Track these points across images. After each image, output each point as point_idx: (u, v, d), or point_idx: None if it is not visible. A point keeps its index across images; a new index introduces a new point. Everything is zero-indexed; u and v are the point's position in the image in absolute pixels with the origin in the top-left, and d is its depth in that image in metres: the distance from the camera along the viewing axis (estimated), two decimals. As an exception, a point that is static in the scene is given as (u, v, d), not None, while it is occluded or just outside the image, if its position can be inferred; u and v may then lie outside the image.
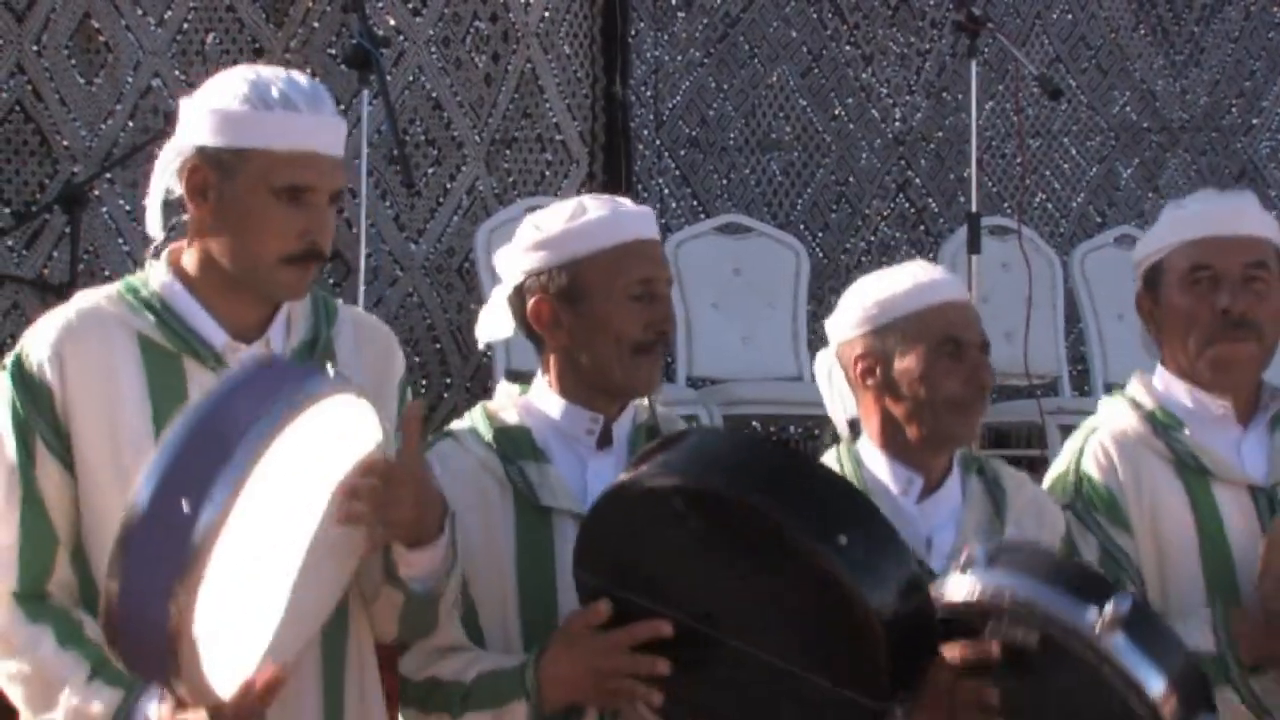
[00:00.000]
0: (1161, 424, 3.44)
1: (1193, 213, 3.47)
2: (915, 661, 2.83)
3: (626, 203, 3.21)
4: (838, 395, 3.38)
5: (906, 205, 7.26)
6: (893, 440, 3.32)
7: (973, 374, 3.27)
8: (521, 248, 3.19)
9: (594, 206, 3.16)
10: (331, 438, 2.71)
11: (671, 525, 2.82)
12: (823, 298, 6.84)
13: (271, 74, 2.93)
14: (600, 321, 3.10)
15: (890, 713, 2.81)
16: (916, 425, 3.29)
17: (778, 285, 6.82)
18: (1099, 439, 3.45)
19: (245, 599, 2.62)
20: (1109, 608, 2.84)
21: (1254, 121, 7.58)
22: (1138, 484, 3.40)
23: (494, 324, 3.25)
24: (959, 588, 2.95)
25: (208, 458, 2.53)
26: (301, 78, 2.94)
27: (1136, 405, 3.47)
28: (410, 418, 2.82)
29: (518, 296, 3.18)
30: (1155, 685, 2.83)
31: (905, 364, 3.27)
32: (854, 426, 3.39)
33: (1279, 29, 7.59)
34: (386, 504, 2.76)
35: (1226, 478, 3.41)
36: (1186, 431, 3.43)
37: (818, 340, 6.64)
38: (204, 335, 2.91)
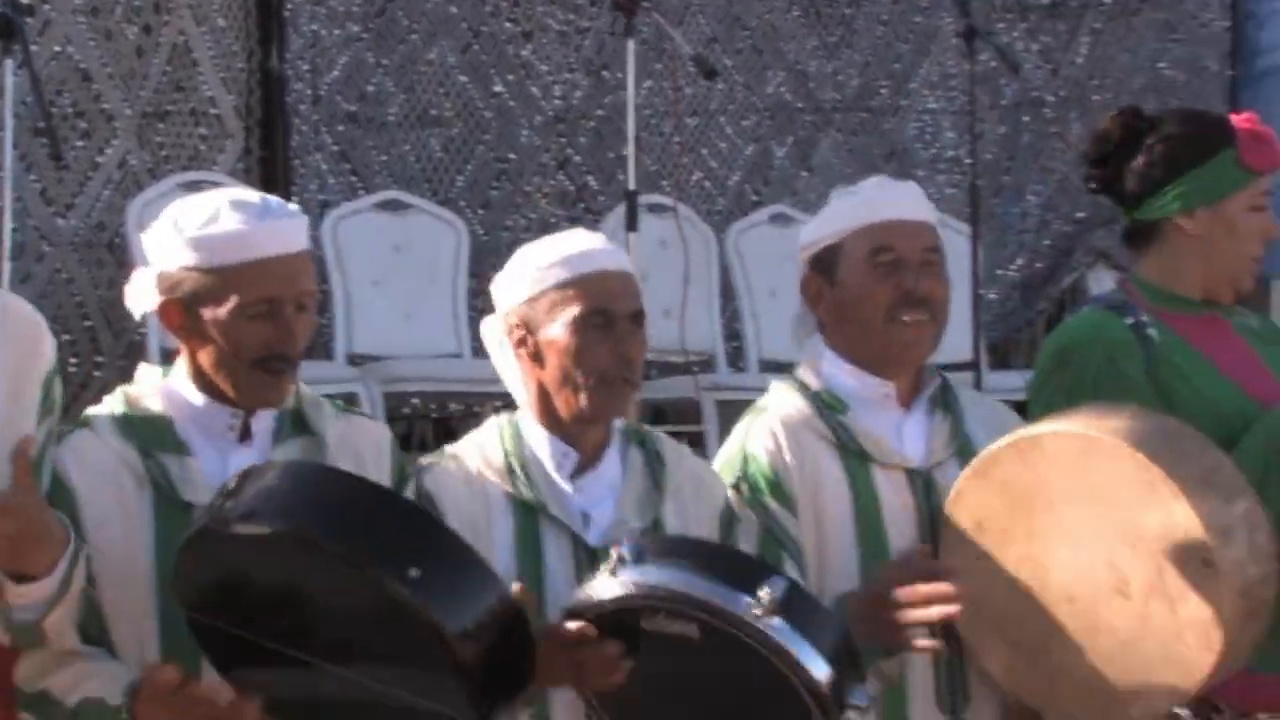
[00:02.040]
0: (826, 406, 3.49)
1: (870, 198, 3.53)
2: (517, 669, 2.88)
3: (276, 207, 3.11)
4: (503, 360, 3.34)
5: (566, 183, 7.23)
6: (546, 412, 3.29)
7: (618, 346, 3.24)
8: (157, 240, 3.10)
9: (230, 217, 3.07)
10: None
11: (260, 561, 2.82)
12: (484, 275, 6.70)
13: None
14: (220, 334, 3.05)
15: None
16: (565, 398, 3.25)
17: (438, 262, 6.77)
18: (766, 420, 3.48)
19: None
20: (765, 592, 2.89)
21: (902, 103, 7.69)
22: (801, 466, 3.44)
23: (140, 300, 3.15)
24: (609, 589, 2.96)
25: None
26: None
27: (803, 387, 3.52)
28: (20, 452, 2.76)
29: (155, 284, 3.10)
30: (815, 664, 2.91)
31: (552, 334, 3.24)
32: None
33: (926, 14, 7.71)
34: None
35: (885, 461, 3.48)
36: (850, 414, 3.49)
37: (479, 318, 6.59)
38: None
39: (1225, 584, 3.22)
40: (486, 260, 6.80)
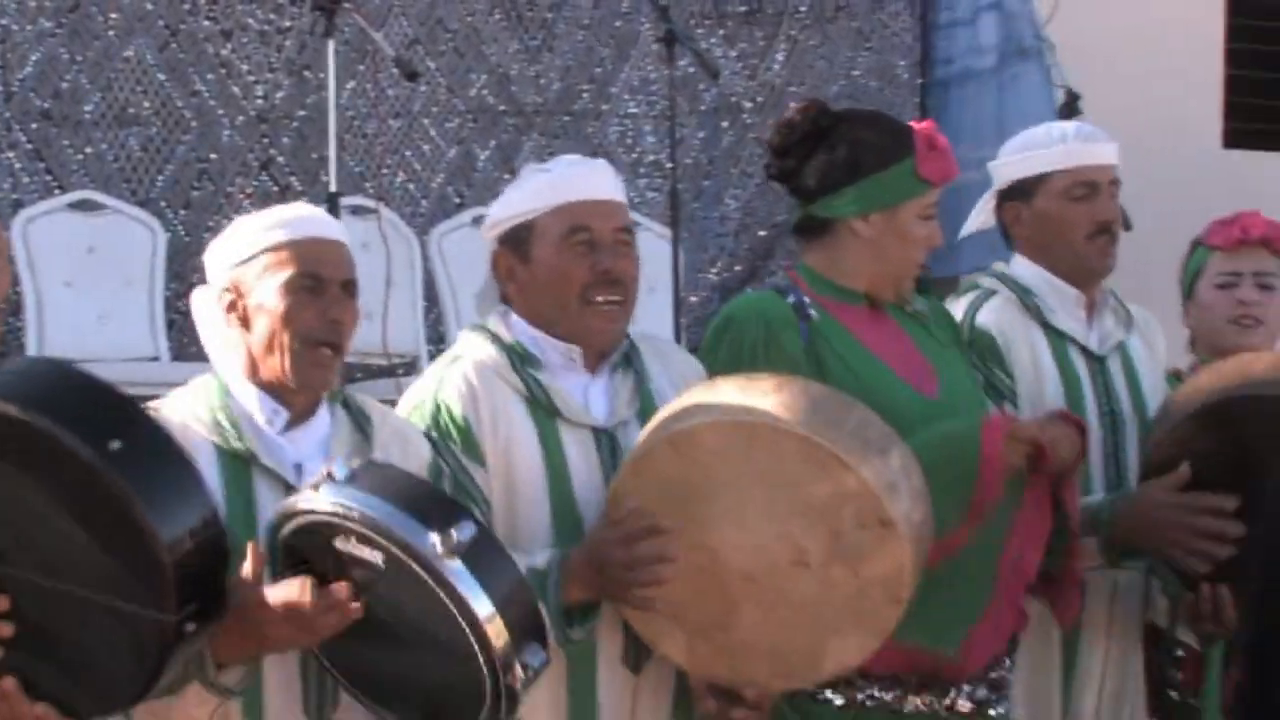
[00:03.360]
0: (519, 358, 3.49)
1: (564, 176, 3.56)
2: (212, 577, 2.87)
3: None
4: (213, 330, 3.31)
5: (269, 183, 7.11)
6: (254, 373, 3.26)
7: (328, 310, 3.23)
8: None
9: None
10: None
11: None
12: (185, 276, 6.69)
13: None
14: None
15: (185, 627, 2.84)
16: (272, 362, 3.23)
17: (134, 264, 6.65)
18: (460, 368, 3.48)
19: None
20: (451, 533, 2.89)
21: (604, 107, 7.70)
22: (494, 417, 3.45)
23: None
24: (309, 502, 2.96)
25: None
26: None
27: (496, 339, 3.52)
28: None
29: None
30: (484, 610, 2.90)
31: (262, 297, 3.23)
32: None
33: (626, 19, 7.74)
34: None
35: (573, 419, 3.50)
36: (542, 370, 3.50)
37: (180, 320, 6.59)
38: None
39: (902, 537, 3.29)
40: (189, 262, 6.69)
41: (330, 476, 2.97)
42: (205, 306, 3.31)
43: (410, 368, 6.78)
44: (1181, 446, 3.91)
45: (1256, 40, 8.73)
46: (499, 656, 2.93)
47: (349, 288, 3.27)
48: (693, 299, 7.55)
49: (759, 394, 3.34)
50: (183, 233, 6.94)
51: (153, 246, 6.70)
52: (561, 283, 3.47)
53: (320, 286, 3.23)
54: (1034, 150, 4.20)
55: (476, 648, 2.92)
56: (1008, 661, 3.80)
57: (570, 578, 3.36)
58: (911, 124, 3.86)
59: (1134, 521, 3.96)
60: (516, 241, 3.51)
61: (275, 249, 3.22)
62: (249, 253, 3.24)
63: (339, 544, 2.94)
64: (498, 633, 2.92)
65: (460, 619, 2.91)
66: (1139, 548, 4.02)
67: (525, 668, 2.96)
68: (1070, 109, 7.19)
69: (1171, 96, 8.10)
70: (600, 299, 3.49)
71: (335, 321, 3.23)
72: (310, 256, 3.24)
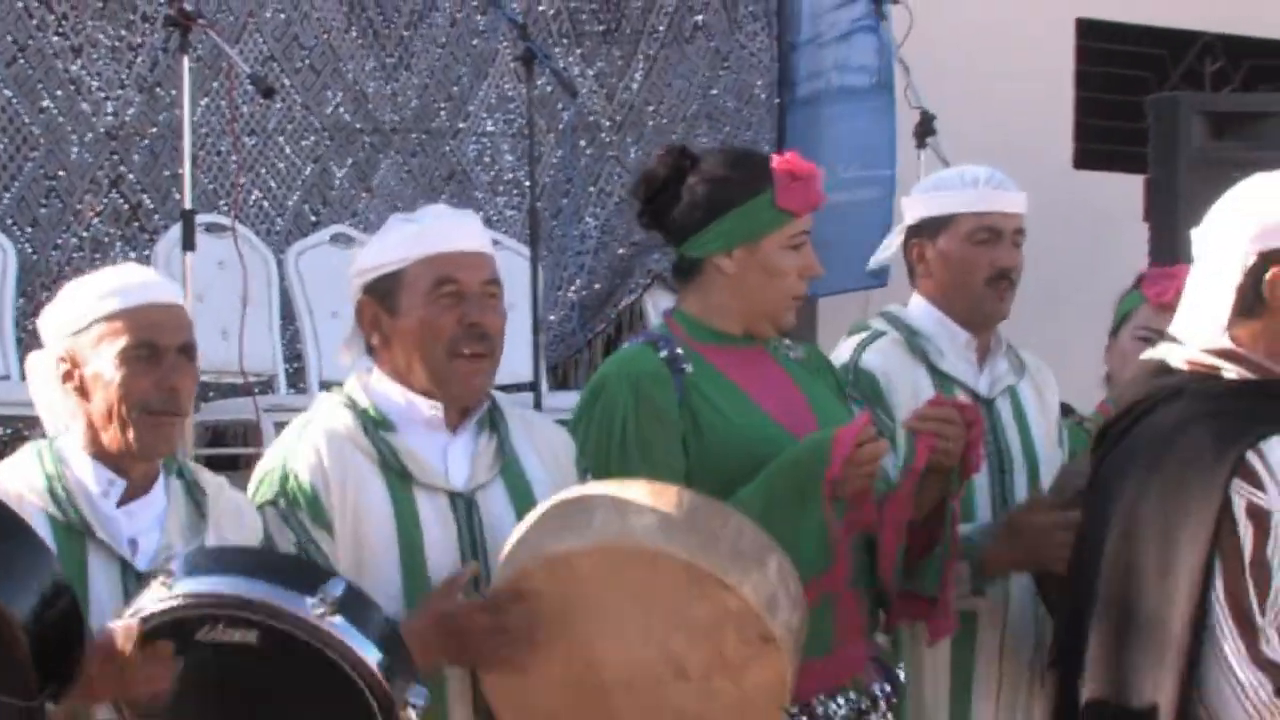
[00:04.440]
0: (373, 423, 3.48)
1: (432, 227, 3.56)
2: (66, 658, 2.84)
3: None
4: (51, 396, 3.30)
5: (120, 201, 7.02)
6: (94, 443, 3.25)
7: (165, 379, 3.22)
8: None
9: None
10: None
11: None
12: (33, 295, 6.60)
13: None
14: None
15: (42, 709, 2.83)
16: (112, 433, 3.22)
17: (-18, 282, 6.54)
18: (310, 435, 3.48)
19: None
20: (325, 593, 2.94)
21: (461, 125, 7.67)
22: (344, 483, 3.43)
23: None
24: (161, 600, 2.92)
25: None
26: None
27: (351, 403, 3.51)
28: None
29: None
30: (374, 658, 2.96)
31: (98, 367, 3.21)
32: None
33: (483, 36, 7.72)
34: None
35: (429, 483, 3.48)
36: (396, 433, 3.49)
37: (29, 338, 6.47)
38: None
39: (783, 648, 3.32)
40: (37, 280, 6.63)
41: (171, 573, 2.95)
42: (41, 373, 3.29)
43: (267, 386, 6.79)
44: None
45: (1106, 63, 8.86)
46: (390, 701, 2.96)
47: (187, 351, 3.26)
48: (551, 317, 7.53)
49: (633, 510, 3.31)
50: (30, 250, 6.83)
51: (3, 265, 6.59)
52: (428, 334, 3.47)
53: (156, 355, 3.23)
54: (945, 191, 4.28)
55: (371, 699, 2.94)
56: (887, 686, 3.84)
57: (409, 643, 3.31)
58: (773, 155, 3.88)
59: (1014, 545, 4.04)
60: (383, 291, 3.50)
61: (109, 318, 3.21)
62: (83, 322, 3.23)
63: (202, 636, 2.92)
64: (388, 678, 2.95)
65: (351, 672, 2.93)
66: (1016, 570, 4.09)
67: (414, 708, 3.00)
68: (925, 130, 7.25)
69: (1023, 116, 8.20)
70: (467, 352, 3.48)
71: (173, 389, 3.23)
72: (145, 324, 3.22)
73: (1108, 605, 3.30)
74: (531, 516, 3.39)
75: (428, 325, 3.46)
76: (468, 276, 3.49)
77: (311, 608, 2.90)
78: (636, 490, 3.35)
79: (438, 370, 3.47)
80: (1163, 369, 3.40)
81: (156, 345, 3.22)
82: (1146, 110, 7.81)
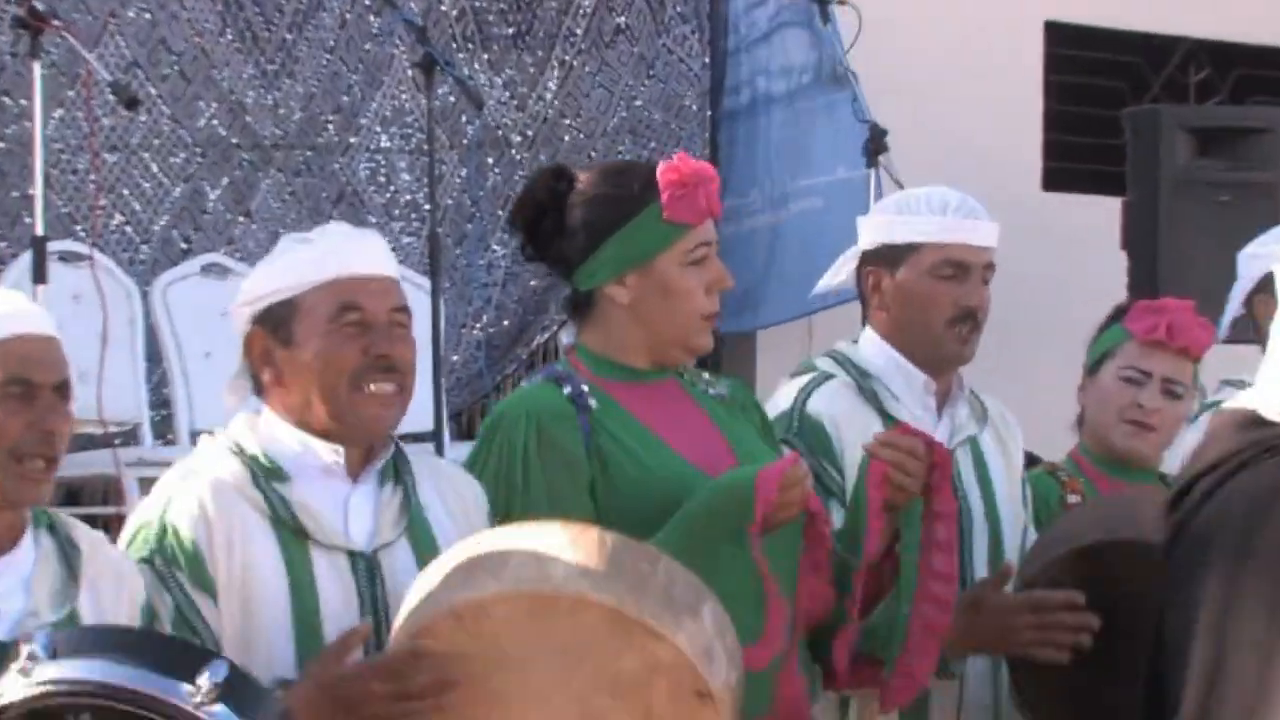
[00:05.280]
0: (264, 472, 3.49)
1: (332, 249, 3.55)
2: None
3: None
4: None
5: (-39, 225, 7.03)
6: None
7: (40, 420, 3.22)
8: None
9: None
10: None
11: None
12: None
13: None
14: None
15: None
16: None
17: None
18: (193, 486, 3.46)
19: None
20: (205, 678, 2.92)
21: (352, 140, 7.68)
22: (230, 541, 3.42)
23: None
24: (19, 689, 2.90)
25: None
26: None
27: (239, 449, 3.51)
28: None
29: None
30: None
31: None
32: None
33: (377, 41, 7.73)
34: None
35: (326, 541, 3.48)
36: (291, 483, 3.49)
37: None
38: None
39: (721, 704, 3.30)
40: None
41: (33, 657, 2.93)
42: None
43: (129, 437, 6.75)
44: (1054, 586, 4.04)
45: (1079, 71, 8.95)
46: None
47: (63, 390, 3.25)
48: (454, 358, 7.53)
49: (552, 551, 3.29)
50: None
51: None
52: (329, 368, 3.47)
53: (30, 392, 3.22)
54: (908, 215, 4.27)
55: None
56: None
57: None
58: (660, 163, 3.86)
59: (974, 626, 4.07)
60: (275, 321, 3.50)
61: None
62: None
63: None
64: None
65: None
66: (977, 653, 4.15)
67: None
68: (876, 146, 7.29)
69: (985, 132, 8.26)
70: (373, 386, 3.48)
71: (48, 433, 3.22)
72: (17, 358, 3.22)
73: None
74: (433, 566, 3.37)
75: (329, 357, 3.46)
76: (373, 303, 3.49)
77: (189, 695, 2.90)
78: (552, 533, 3.33)
79: (339, 407, 3.47)
80: (1254, 420, 3.14)
81: (31, 382, 3.22)
82: (1123, 124, 7.89)
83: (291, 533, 3.45)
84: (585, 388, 3.78)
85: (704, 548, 3.57)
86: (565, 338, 7.57)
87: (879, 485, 3.75)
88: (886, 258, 4.26)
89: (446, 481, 3.66)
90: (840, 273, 4.38)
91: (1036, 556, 4.18)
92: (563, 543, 3.31)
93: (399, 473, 3.57)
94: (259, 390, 3.56)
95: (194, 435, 6.72)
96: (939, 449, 3.83)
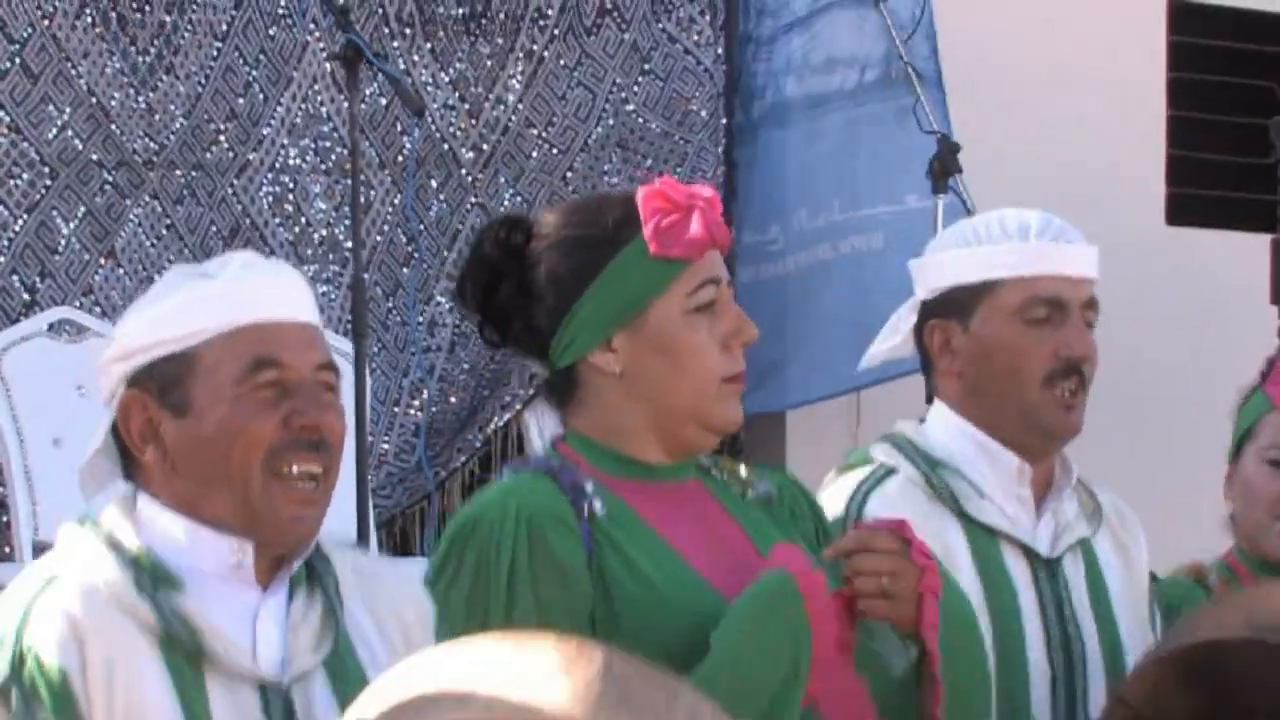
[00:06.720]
0: (147, 576, 3.46)
1: (236, 285, 3.52)
2: None
3: None
4: None
5: None
6: None
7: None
8: None
9: None
10: None
11: None
12: None
13: None
14: None
15: None
16: None
17: None
18: (58, 596, 3.45)
19: None
20: None
21: (250, 156, 7.66)
22: (109, 667, 3.42)
23: None
24: None
25: None
26: None
27: (115, 545, 3.48)
28: None
29: None
30: None
31: None
32: None
33: (284, 23, 7.66)
34: None
35: (229, 669, 3.47)
36: (184, 592, 3.47)
37: None
38: None
39: None
40: None
41: None
42: None
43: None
44: (1151, 702, 3.99)
45: (1213, 69, 8.89)
46: None
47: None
48: (385, 446, 7.60)
49: (538, 675, 3.20)
50: None
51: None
52: (237, 443, 3.47)
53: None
54: (977, 246, 4.29)
55: None
56: None
57: None
58: (640, 189, 3.86)
59: None
60: (163, 382, 3.49)
61: None
62: None
63: None
64: None
65: None
66: None
67: None
68: (945, 165, 7.26)
69: (1090, 149, 8.23)
70: (295, 470, 3.49)
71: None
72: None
73: None
74: (373, 691, 3.24)
75: (237, 429, 3.46)
76: (295, 358, 3.49)
77: None
78: (542, 648, 3.23)
79: (251, 496, 3.46)
80: None
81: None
82: (1272, 138, 7.83)
83: (184, 657, 3.45)
84: (588, 486, 3.80)
85: (756, 686, 3.60)
86: (534, 421, 7.54)
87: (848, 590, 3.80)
88: (954, 305, 4.30)
89: (377, 587, 3.67)
90: (896, 333, 4.41)
91: (1140, 663, 4.17)
92: (553, 662, 3.20)
93: (318, 577, 3.58)
94: (130, 473, 3.54)
95: (37, 550, 6.73)
96: (920, 552, 3.82)
